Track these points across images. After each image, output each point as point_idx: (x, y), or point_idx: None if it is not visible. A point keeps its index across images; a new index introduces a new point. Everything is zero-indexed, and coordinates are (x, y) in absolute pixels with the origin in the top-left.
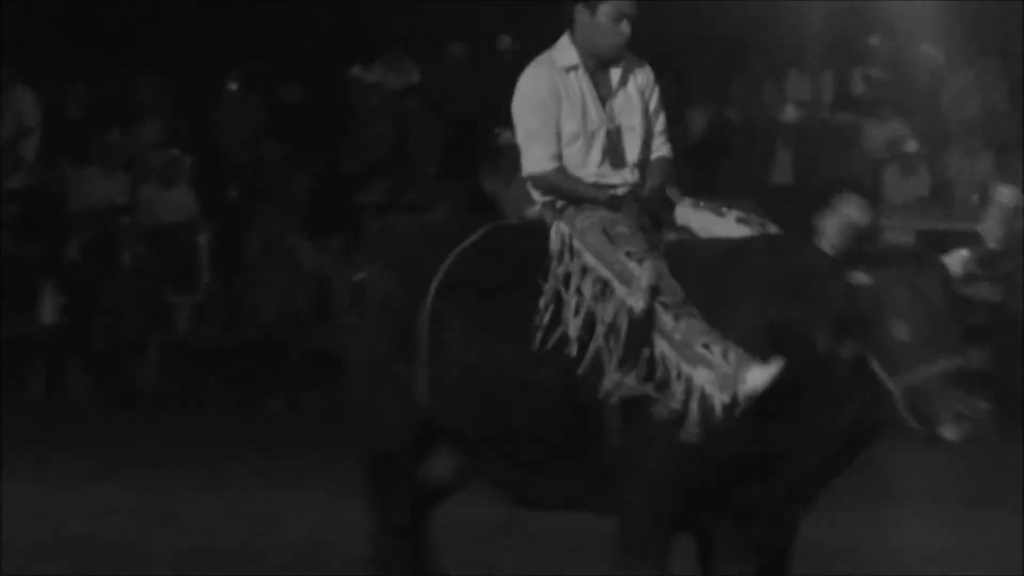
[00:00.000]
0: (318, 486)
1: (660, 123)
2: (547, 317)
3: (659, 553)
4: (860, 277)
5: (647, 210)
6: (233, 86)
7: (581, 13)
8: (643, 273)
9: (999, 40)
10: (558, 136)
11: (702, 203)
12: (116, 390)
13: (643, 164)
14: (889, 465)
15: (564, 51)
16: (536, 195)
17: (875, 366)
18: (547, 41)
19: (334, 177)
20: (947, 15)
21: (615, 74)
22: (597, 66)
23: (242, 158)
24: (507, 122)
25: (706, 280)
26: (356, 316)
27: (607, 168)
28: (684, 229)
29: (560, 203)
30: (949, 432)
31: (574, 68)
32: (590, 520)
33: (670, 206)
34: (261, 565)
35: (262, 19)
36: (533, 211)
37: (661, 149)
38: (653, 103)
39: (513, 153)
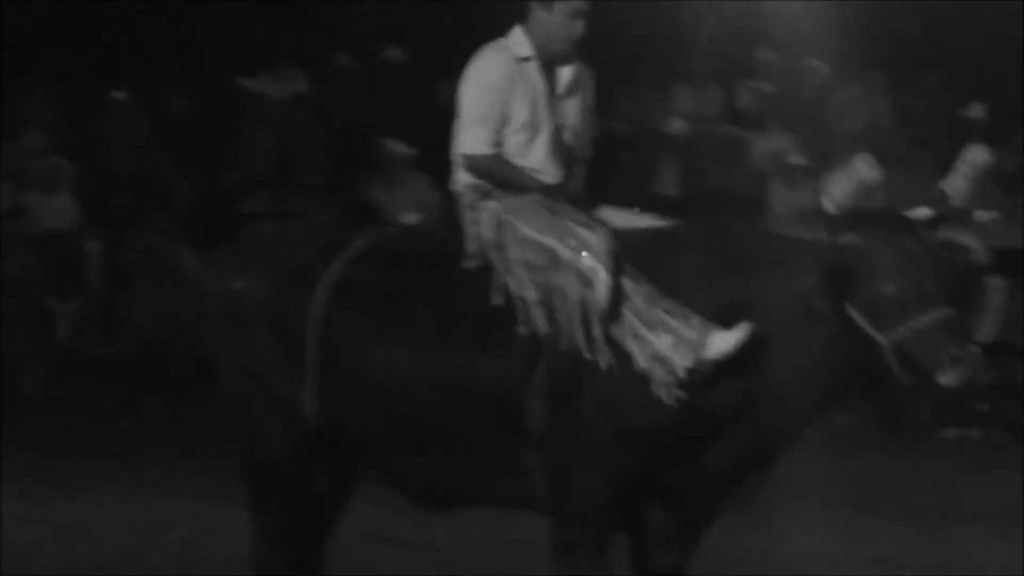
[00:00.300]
0: (199, 493)
1: (591, 126)
2: (496, 298)
3: (601, 548)
4: (849, 238)
5: (576, 206)
6: (119, 95)
7: (537, 10)
8: (598, 238)
9: (885, 54)
10: (501, 122)
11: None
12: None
13: (576, 164)
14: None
15: (519, 42)
16: (464, 177)
17: (863, 323)
18: (433, 52)
19: (218, 187)
20: (834, 30)
21: (566, 72)
22: (549, 60)
23: (127, 168)
24: (392, 133)
25: (647, 260)
26: (233, 326)
27: (549, 165)
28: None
29: (488, 187)
30: (946, 377)
31: (527, 59)
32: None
33: (592, 205)
34: (143, 568)
35: (149, 28)
36: (413, 218)
37: (587, 152)
38: (591, 106)
39: (397, 162)
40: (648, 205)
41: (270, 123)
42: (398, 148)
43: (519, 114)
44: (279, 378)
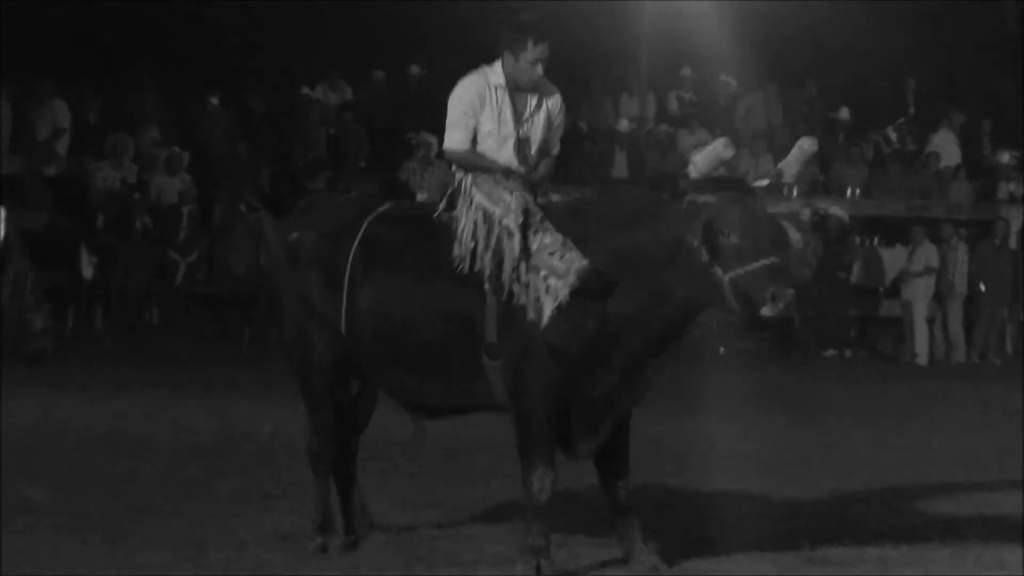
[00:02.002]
0: (279, 395)
1: (559, 133)
2: (457, 249)
3: (550, 441)
4: (706, 197)
5: (533, 187)
6: (214, 100)
7: (507, 56)
8: (513, 200)
9: (779, 71)
10: (475, 129)
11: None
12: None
13: (544, 160)
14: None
15: (495, 72)
16: (453, 168)
17: (712, 264)
18: (450, 70)
19: (287, 169)
20: (740, 51)
21: (532, 99)
22: (517, 90)
23: (219, 154)
24: (418, 129)
25: (566, 220)
26: (290, 267)
27: (516, 163)
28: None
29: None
30: (767, 310)
31: (500, 86)
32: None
33: (544, 187)
34: (236, 453)
35: (235, 48)
36: (427, 196)
37: (556, 148)
38: (557, 120)
39: (424, 149)
40: (604, 185)
41: (324, 122)
42: (426, 137)
43: (486, 124)
44: (324, 306)
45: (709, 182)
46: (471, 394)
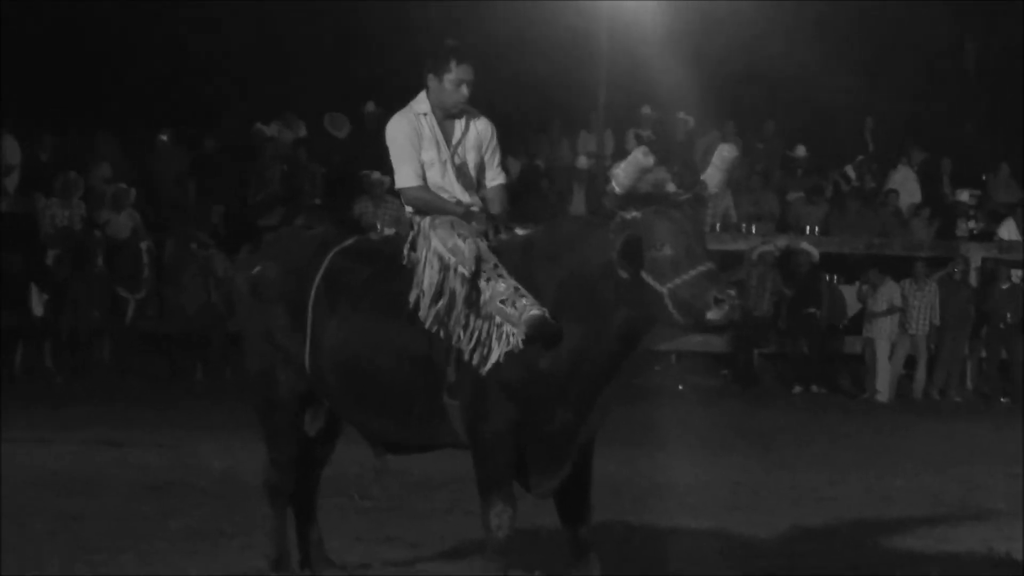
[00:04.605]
0: (232, 433)
1: (495, 160)
2: (414, 293)
3: (507, 478)
4: (633, 213)
5: (494, 223)
6: (164, 138)
7: (432, 80)
8: (467, 247)
9: (738, 108)
10: (420, 162)
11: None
12: (80, 365)
13: (480, 189)
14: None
15: (420, 101)
16: (408, 208)
17: (648, 279)
18: (401, 105)
19: (242, 206)
20: (698, 90)
21: (459, 124)
22: (445, 116)
23: (170, 191)
24: (372, 166)
25: (518, 258)
26: (254, 302)
27: (460, 189)
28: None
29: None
30: (712, 314)
31: (425, 114)
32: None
33: (507, 223)
34: (189, 491)
35: (187, 86)
36: (387, 231)
37: (498, 178)
38: (490, 146)
39: (377, 188)
40: (548, 219)
41: (279, 159)
42: (378, 176)
43: (427, 153)
44: (288, 341)
45: (634, 199)
46: (435, 433)
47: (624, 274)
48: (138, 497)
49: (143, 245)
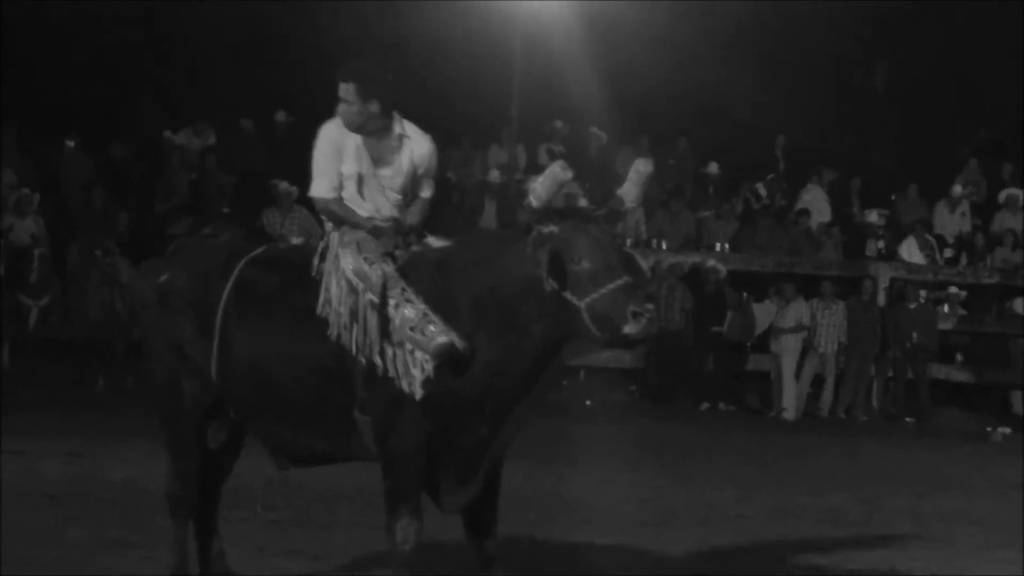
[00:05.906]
0: (134, 443)
1: (427, 178)
2: (321, 309)
3: (415, 492)
4: (551, 228)
5: (406, 236)
6: (71, 144)
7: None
8: (373, 273)
9: (651, 125)
10: (339, 175)
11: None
12: None
13: (406, 203)
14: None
15: None
16: (323, 218)
17: (566, 293)
18: (315, 117)
19: (149, 214)
20: (611, 105)
21: (391, 142)
22: (368, 134)
23: (76, 198)
24: (282, 176)
25: (432, 275)
26: (160, 310)
27: (380, 204)
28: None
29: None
30: (630, 328)
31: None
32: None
33: (422, 234)
34: (89, 501)
35: (93, 90)
36: (296, 240)
37: (425, 192)
38: (424, 163)
39: (285, 198)
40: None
41: (187, 167)
42: (286, 187)
43: (347, 167)
44: (195, 351)
45: (551, 213)
46: (345, 446)
47: (551, 287)
48: (38, 506)
49: (36, 252)
